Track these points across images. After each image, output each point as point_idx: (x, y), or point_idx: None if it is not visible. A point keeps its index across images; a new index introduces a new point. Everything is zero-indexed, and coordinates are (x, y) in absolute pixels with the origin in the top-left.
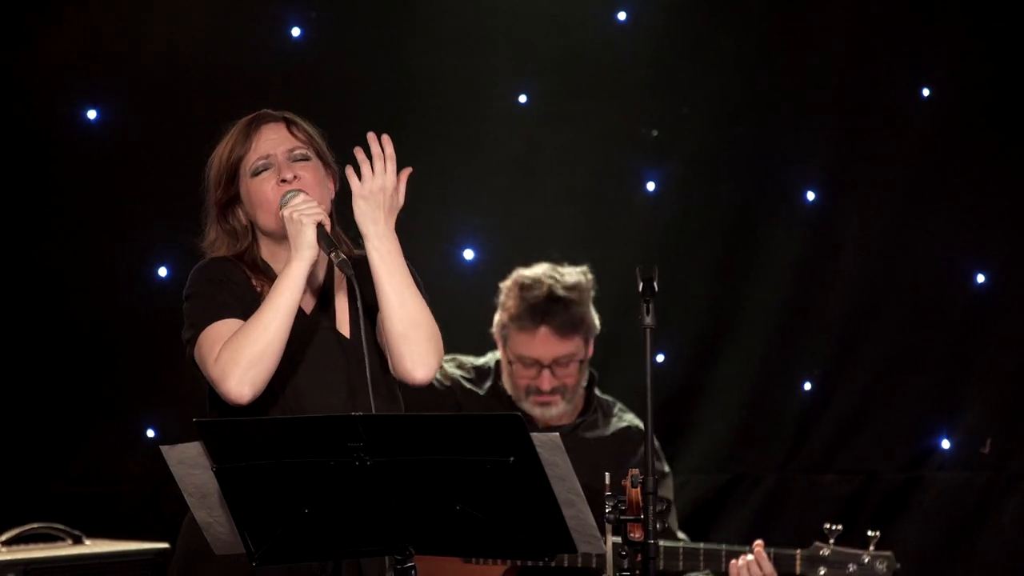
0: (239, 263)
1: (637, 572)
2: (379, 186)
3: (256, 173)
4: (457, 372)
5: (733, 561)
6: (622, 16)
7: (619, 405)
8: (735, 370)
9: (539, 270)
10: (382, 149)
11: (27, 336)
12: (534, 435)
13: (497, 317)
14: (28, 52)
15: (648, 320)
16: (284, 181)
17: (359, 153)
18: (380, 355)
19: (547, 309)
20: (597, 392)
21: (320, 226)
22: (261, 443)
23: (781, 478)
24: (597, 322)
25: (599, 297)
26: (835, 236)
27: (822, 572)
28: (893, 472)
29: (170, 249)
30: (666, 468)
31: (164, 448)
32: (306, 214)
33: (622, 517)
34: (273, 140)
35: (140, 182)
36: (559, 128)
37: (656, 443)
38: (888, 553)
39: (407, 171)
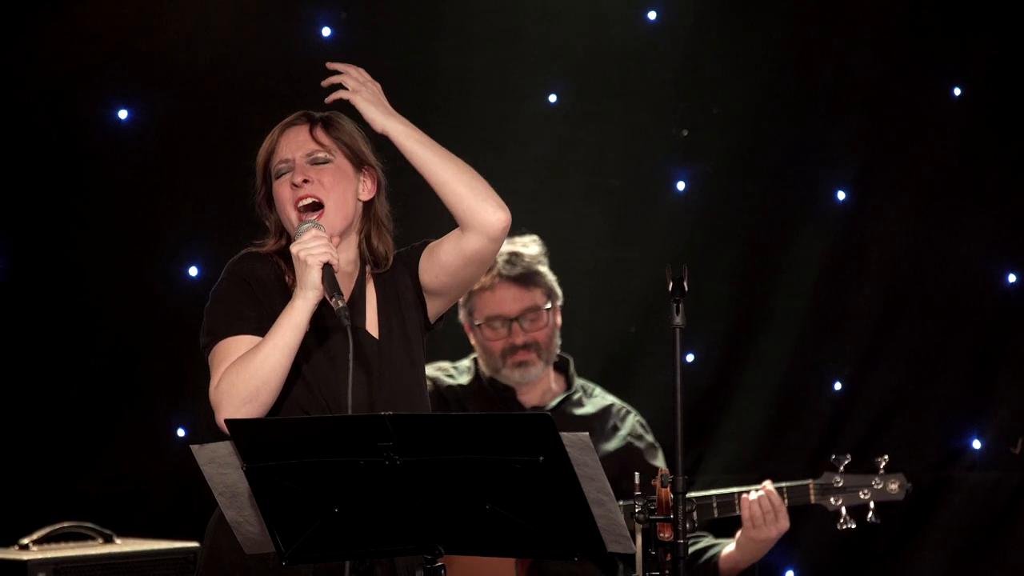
0: (273, 257)
1: (667, 572)
2: (363, 78)
3: (278, 175)
4: (437, 373)
5: (744, 496)
6: (652, 15)
7: (599, 388)
8: (765, 370)
9: None
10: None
11: (58, 335)
12: (564, 434)
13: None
14: (59, 52)
15: (678, 320)
16: (294, 185)
17: (331, 68)
18: (411, 359)
19: (502, 267)
20: (578, 379)
21: (327, 267)
22: (291, 442)
23: (810, 477)
24: (556, 285)
25: (629, 296)
26: (865, 236)
27: (836, 501)
28: (923, 472)
29: (200, 248)
30: (654, 441)
31: (194, 447)
32: (312, 254)
33: (652, 517)
34: (293, 144)
35: (171, 181)
36: (589, 128)
37: (640, 417)
38: (899, 474)
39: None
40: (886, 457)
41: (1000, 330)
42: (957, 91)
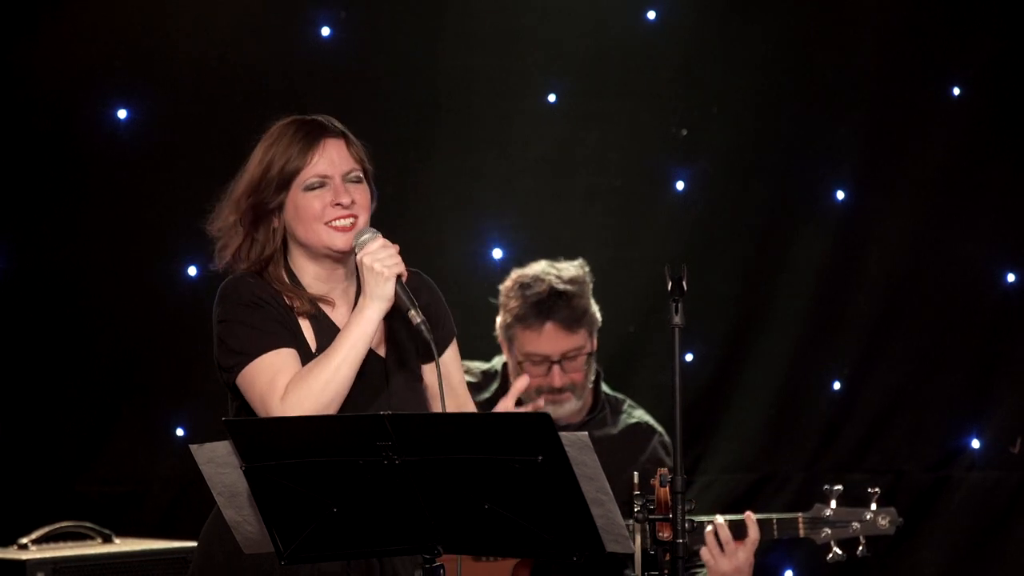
0: (265, 278)
1: (666, 572)
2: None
3: (310, 188)
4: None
5: (708, 530)
6: (651, 15)
7: (628, 402)
8: (764, 369)
9: (537, 267)
10: None
11: (58, 335)
12: (563, 434)
13: (500, 319)
14: (60, 52)
15: (677, 319)
16: (339, 205)
17: None
18: (415, 376)
19: (551, 304)
20: (605, 388)
21: (399, 279)
22: (290, 442)
23: (809, 477)
24: (599, 315)
25: (628, 296)
26: (864, 235)
27: (826, 532)
28: (922, 472)
29: (200, 248)
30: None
31: (193, 447)
32: (387, 265)
33: (651, 516)
34: (334, 160)
35: (170, 181)
36: (588, 127)
37: (666, 438)
38: (891, 508)
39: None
40: (878, 489)
41: (1000, 330)
42: (957, 91)
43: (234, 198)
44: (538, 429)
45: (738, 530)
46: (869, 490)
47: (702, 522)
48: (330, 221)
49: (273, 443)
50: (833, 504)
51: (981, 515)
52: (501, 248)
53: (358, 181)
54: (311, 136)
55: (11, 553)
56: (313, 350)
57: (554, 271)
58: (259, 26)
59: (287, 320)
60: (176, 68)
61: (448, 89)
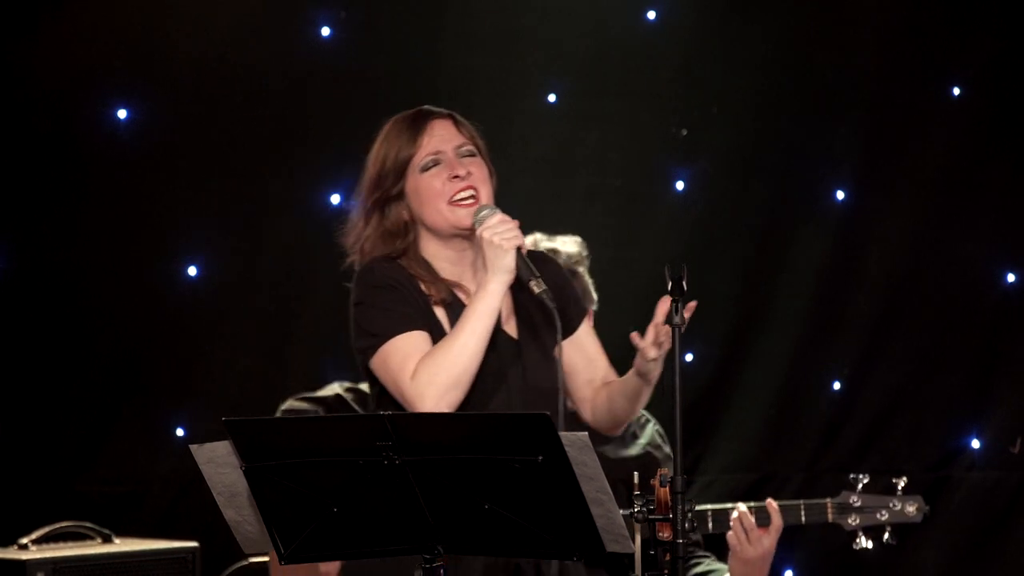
0: (401, 265)
1: (666, 572)
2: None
3: (426, 169)
4: None
5: (734, 516)
6: (651, 15)
7: None
8: (764, 369)
9: (530, 239)
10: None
11: (58, 335)
12: (563, 434)
13: None
14: (60, 52)
15: (676, 319)
16: (457, 177)
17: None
18: (546, 355)
19: None
20: None
21: (519, 251)
22: (290, 442)
23: (809, 478)
24: (593, 291)
25: (628, 296)
26: (864, 235)
27: (853, 520)
28: (922, 472)
29: (200, 248)
30: (668, 451)
31: (193, 447)
32: (506, 238)
33: (651, 516)
34: (442, 136)
35: (170, 181)
36: (588, 127)
37: (659, 426)
38: (918, 496)
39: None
40: (904, 479)
41: (1000, 330)
42: (957, 91)
43: (359, 204)
44: (538, 429)
45: (762, 518)
46: (895, 479)
47: (726, 509)
48: (452, 198)
49: (273, 443)
50: (860, 490)
51: (981, 515)
52: None
53: (472, 155)
54: (417, 121)
55: (11, 553)
56: None
57: (550, 244)
58: (259, 26)
59: (421, 303)
60: (176, 68)
61: (448, 89)
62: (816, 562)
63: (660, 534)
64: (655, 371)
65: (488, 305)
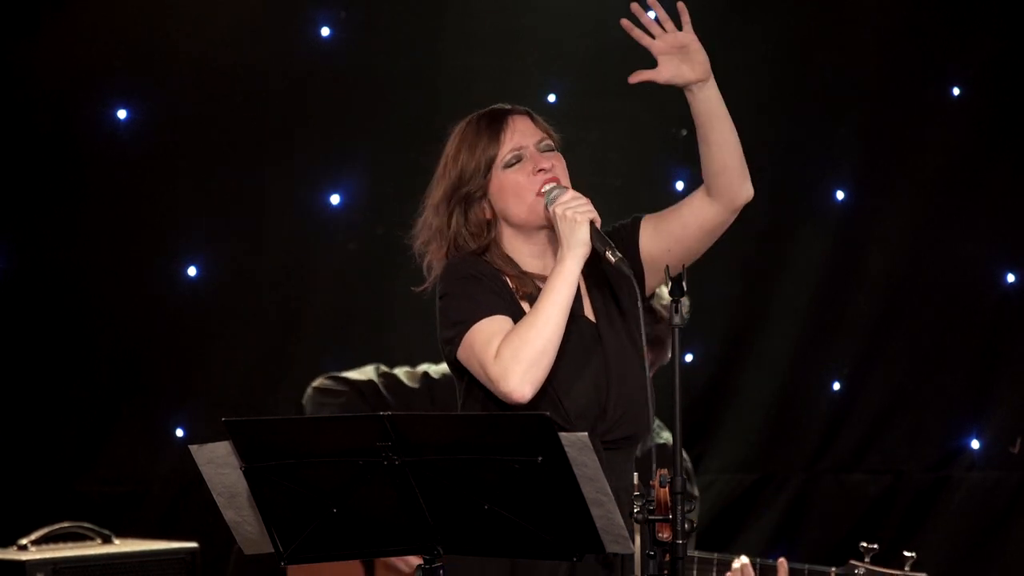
0: (486, 260)
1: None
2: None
3: (509, 165)
4: (432, 368)
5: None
6: (651, 15)
7: (657, 422)
8: (764, 369)
9: None
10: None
11: (58, 335)
12: (562, 435)
13: None
14: (60, 53)
15: (677, 319)
16: (542, 171)
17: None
18: (631, 339)
19: None
20: None
21: (592, 224)
22: (290, 442)
23: (809, 478)
24: None
25: None
26: (864, 235)
27: None
28: (922, 472)
29: (200, 248)
30: (695, 491)
31: (193, 448)
32: (579, 212)
33: (650, 517)
34: (523, 132)
35: (170, 182)
36: (587, 127)
37: (689, 464)
38: (923, 574)
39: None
40: (914, 555)
41: (1000, 330)
42: (957, 91)
43: (433, 204)
44: (538, 430)
45: (766, 573)
46: (905, 553)
47: (729, 560)
48: (539, 190)
49: (273, 443)
50: (867, 561)
51: (981, 515)
52: None
53: (551, 149)
54: (496, 120)
55: (11, 554)
56: None
57: None
58: (259, 26)
59: (506, 294)
60: (176, 68)
61: (448, 89)
62: (816, 562)
63: (660, 534)
64: (694, 65)
65: (566, 279)
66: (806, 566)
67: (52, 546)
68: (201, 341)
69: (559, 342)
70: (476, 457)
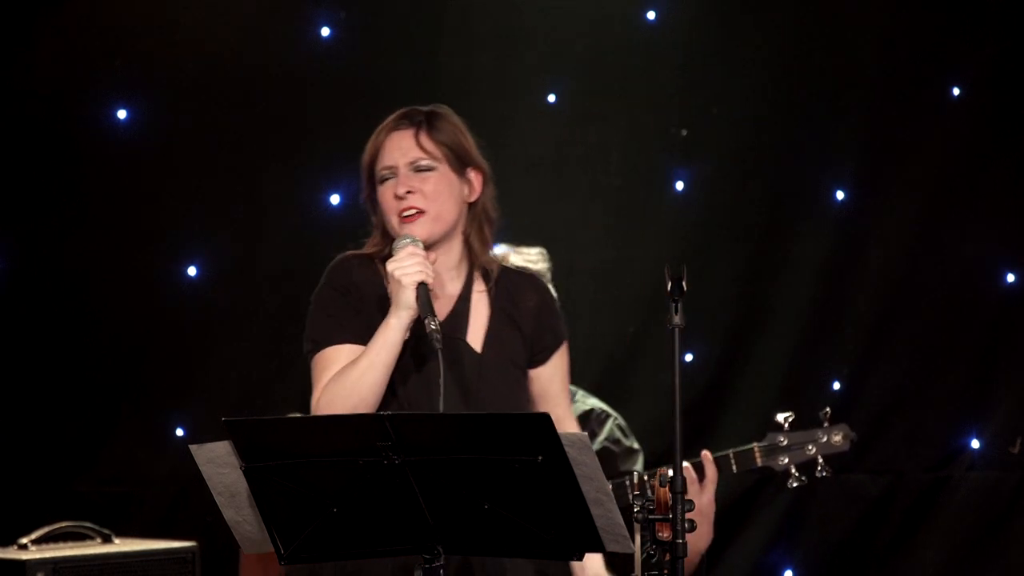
0: (376, 265)
1: (665, 572)
2: None
3: (382, 181)
4: None
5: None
6: (651, 15)
7: (580, 392)
8: (764, 369)
9: (498, 250)
10: None
11: (57, 335)
12: (562, 434)
13: None
14: (60, 52)
15: (676, 319)
16: (398, 197)
17: None
18: (515, 375)
19: None
20: None
21: (422, 286)
22: (290, 442)
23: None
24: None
25: (629, 296)
26: (864, 235)
27: (783, 460)
28: (922, 472)
29: (200, 248)
30: (635, 445)
31: (193, 447)
32: (407, 274)
33: (650, 517)
34: (398, 150)
35: (170, 181)
36: (588, 128)
37: (621, 421)
38: (843, 424)
39: None
40: (828, 410)
41: (1000, 330)
42: (957, 91)
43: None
44: (538, 429)
45: (698, 472)
46: (820, 412)
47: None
48: (400, 213)
49: (273, 443)
50: (786, 429)
51: (981, 515)
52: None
53: (428, 170)
54: (384, 130)
55: (11, 553)
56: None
57: (514, 253)
58: (259, 26)
59: (373, 310)
60: (176, 68)
61: (448, 89)
62: (815, 562)
63: (660, 534)
64: None
65: (386, 339)
66: (730, 451)
67: (52, 545)
68: (201, 341)
69: (376, 397)
70: (476, 457)
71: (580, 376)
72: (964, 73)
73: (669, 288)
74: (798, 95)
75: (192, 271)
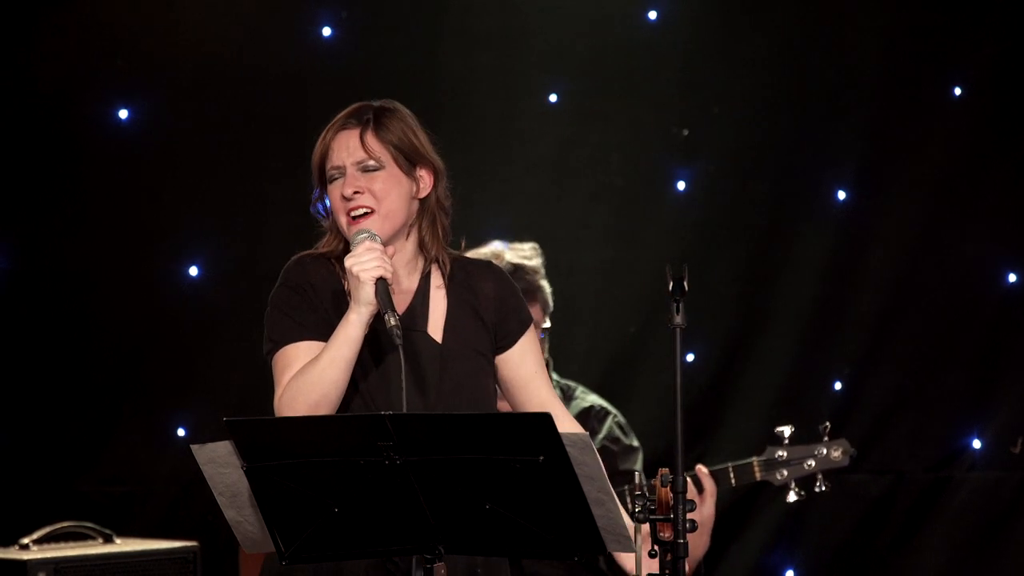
0: (331, 260)
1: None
2: None
3: (331, 180)
4: None
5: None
6: (652, 15)
7: (580, 388)
8: (765, 369)
9: (491, 247)
10: None
11: (58, 335)
12: (564, 434)
13: None
14: (60, 52)
15: (678, 319)
16: (345, 197)
17: None
18: (478, 363)
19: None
20: (555, 376)
21: (381, 281)
22: (291, 442)
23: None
24: (551, 301)
25: (630, 296)
26: (865, 235)
27: (783, 474)
28: (923, 472)
29: (200, 248)
30: (634, 443)
31: (194, 447)
32: (365, 269)
33: (651, 517)
34: (344, 150)
35: (171, 181)
36: (589, 127)
37: (621, 418)
38: (842, 439)
39: None
40: (828, 424)
41: (1000, 330)
42: (957, 91)
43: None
44: (540, 429)
45: (696, 486)
46: (820, 426)
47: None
48: (348, 213)
49: (274, 443)
50: (786, 443)
51: (982, 515)
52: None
53: (375, 169)
54: (332, 129)
55: (12, 553)
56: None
57: (508, 250)
58: (260, 26)
59: (329, 308)
60: (177, 68)
61: (449, 89)
62: (816, 562)
63: (660, 534)
64: None
65: (346, 334)
66: (729, 464)
67: (53, 545)
68: (202, 340)
69: (338, 394)
70: (477, 457)
71: (581, 376)
72: (965, 73)
73: (670, 288)
74: (799, 95)
75: (193, 271)
